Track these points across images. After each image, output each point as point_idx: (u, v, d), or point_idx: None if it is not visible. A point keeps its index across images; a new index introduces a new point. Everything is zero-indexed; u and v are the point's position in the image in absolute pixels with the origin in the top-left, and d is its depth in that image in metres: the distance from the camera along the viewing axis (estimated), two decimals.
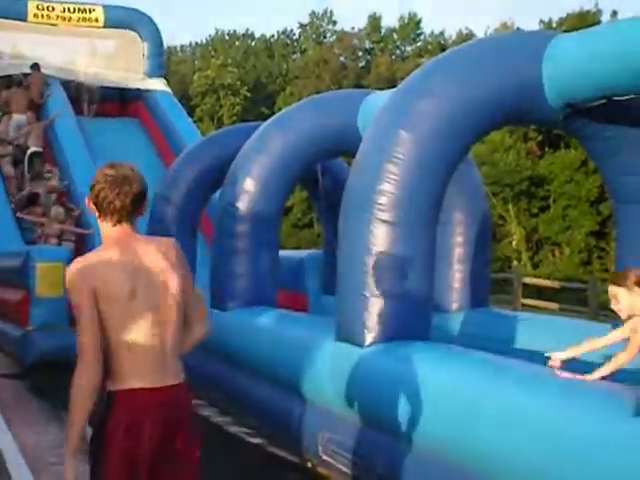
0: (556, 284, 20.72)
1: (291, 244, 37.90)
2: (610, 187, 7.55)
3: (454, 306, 8.97)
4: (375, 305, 6.06)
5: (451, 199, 8.79)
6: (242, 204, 8.73)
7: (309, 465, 6.96)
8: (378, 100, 7.91)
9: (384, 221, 6.02)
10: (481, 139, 7.66)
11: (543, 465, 4.32)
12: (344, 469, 6.18)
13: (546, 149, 38.04)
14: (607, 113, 6.73)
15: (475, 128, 6.25)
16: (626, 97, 6.00)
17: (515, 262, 33.99)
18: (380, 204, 6.03)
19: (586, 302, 17.39)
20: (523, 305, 17.44)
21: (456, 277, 8.98)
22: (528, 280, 19.94)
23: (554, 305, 17.72)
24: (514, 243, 36.09)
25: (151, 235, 10.86)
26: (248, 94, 50.20)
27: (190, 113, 44.99)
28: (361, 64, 54.53)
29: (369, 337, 6.07)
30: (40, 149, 16.11)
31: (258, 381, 7.77)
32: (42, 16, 18.50)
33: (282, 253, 10.38)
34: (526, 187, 36.10)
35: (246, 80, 51.29)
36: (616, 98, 6.04)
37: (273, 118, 9.23)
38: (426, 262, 6.17)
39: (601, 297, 18.07)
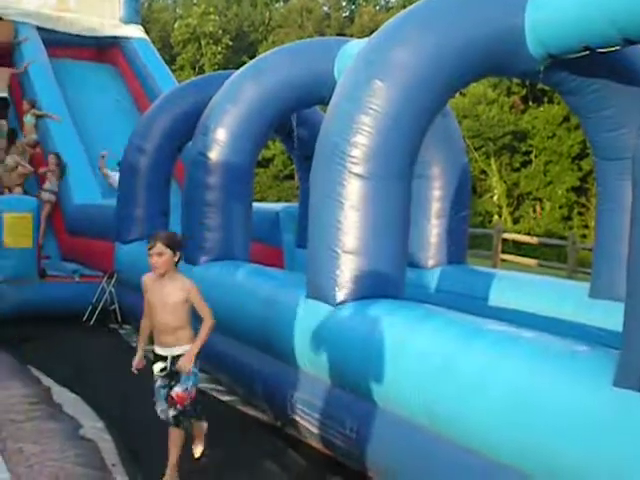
0: (535, 240, 20.61)
1: (272, 196, 37.74)
2: (592, 143, 7.36)
3: (430, 262, 8.83)
4: (347, 262, 5.87)
5: (429, 152, 8.61)
6: (213, 154, 8.46)
7: (278, 424, 6.85)
8: (356, 48, 7.64)
9: (357, 174, 5.80)
10: (460, 90, 7.44)
11: (517, 428, 4.17)
12: (313, 429, 6.05)
13: (529, 103, 37.84)
14: (590, 66, 6.53)
15: (453, 79, 6.00)
16: (608, 49, 5.78)
17: (496, 217, 33.93)
18: (353, 157, 5.80)
19: (565, 258, 17.30)
20: (502, 261, 17.34)
21: (433, 232, 8.83)
22: (508, 236, 19.83)
23: (533, 261, 17.63)
24: (495, 198, 36.04)
25: (122, 186, 10.77)
26: (230, 43, 49.57)
27: (171, 62, 44.64)
28: (345, 14, 53.97)
29: (340, 295, 5.89)
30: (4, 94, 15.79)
31: (228, 338, 7.60)
32: None
33: (258, 206, 10.18)
34: (508, 141, 35.97)
35: (228, 29, 50.62)
36: (599, 50, 5.82)
37: (247, 65, 8.93)
38: (400, 217, 5.97)
39: (580, 253, 18.01)
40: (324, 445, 6.02)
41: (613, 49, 5.86)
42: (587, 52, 5.94)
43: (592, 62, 6.36)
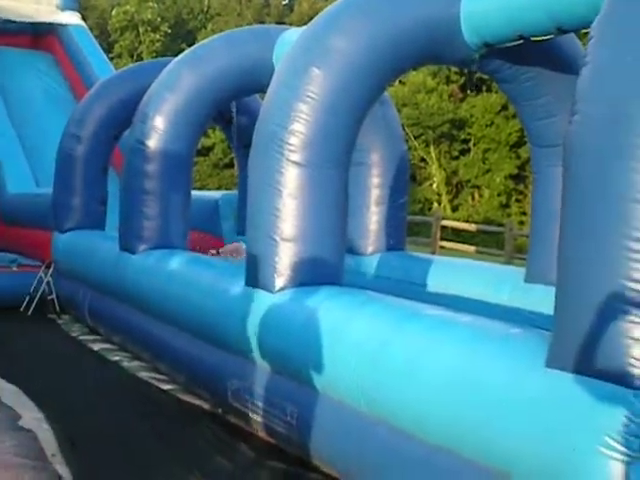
0: (473, 227, 20.86)
1: (212, 184, 37.54)
2: (527, 130, 7.49)
3: (370, 249, 8.91)
4: (285, 249, 5.89)
5: (367, 140, 8.67)
6: (152, 142, 8.41)
7: (219, 412, 6.85)
8: (295, 36, 7.64)
9: (294, 162, 5.82)
10: (399, 79, 7.50)
11: (453, 412, 4.23)
12: (253, 416, 6.08)
13: (468, 92, 38.15)
14: (525, 55, 6.64)
15: (390, 66, 6.06)
16: (542, 38, 5.88)
17: (435, 205, 34.21)
18: (290, 145, 5.82)
19: (503, 245, 17.54)
20: (441, 247, 17.51)
21: (372, 220, 8.91)
22: (446, 223, 20.03)
23: (471, 248, 17.84)
24: (435, 186, 36.32)
25: (59, 174, 10.61)
26: (168, 30, 49.07)
27: (109, 49, 44.08)
28: (284, 2, 53.77)
29: (279, 282, 5.91)
30: None
31: (168, 326, 7.58)
32: None
33: (197, 194, 10.16)
34: (447, 130, 36.24)
35: (166, 16, 50.08)
36: (533, 39, 5.92)
37: (185, 53, 8.89)
38: (338, 204, 6.00)
39: (518, 240, 18.26)
40: (265, 432, 6.05)
41: (547, 38, 5.97)
42: (522, 41, 6.04)
43: (527, 51, 6.47)
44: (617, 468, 3.43)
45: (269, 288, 5.93)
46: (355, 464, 5.06)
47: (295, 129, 5.82)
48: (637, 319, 3.43)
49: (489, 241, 23.26)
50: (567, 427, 3.62)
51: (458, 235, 24.44)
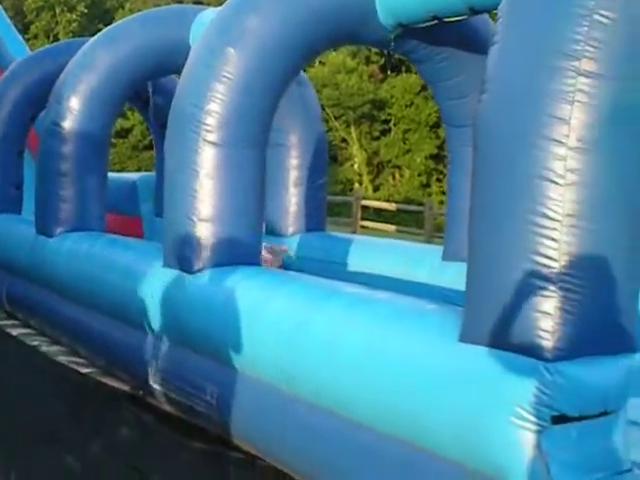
0: (394, 207, 21.06)
1: (132, 166, 37.10)
2: (441, 110, 7.60)
3: (290, 230, 8.95)
4: (203, 230, 5.88)
5: (286, 122, 8.69)
6: (67, 124, 8.27)
7: (139, 394, 6.82)
8: (212, 16, 7.61)
9: (211, 142, 5.80)
10: (314, 59, 7.54)
11: (370, 389, 4.30)
12: (174, 397, 6.07)
13: (388, 73, 38.38)
14: (439, 35, 6.72)
15: (305, 47, 6.08)
16: (455, 18, 5.97)
17: (356, 185, 34.39)
18: (207, 125, 5.80)
19: (423, 224, 17.76)
20: (362, 227, 17.66)
21: (292, 201, 8.94)
22: (367, 203, 20.18)
23: (392, 227, 18.02)
24: (356, 166, 36.52)
25: None
26: (85, 10, 48.18)
27: (24, 30, 43.10)
28: None
29: (197, 263, 5.90)
30: None
31: (87, 309, 7.51)
32: None
33: (115, 176, 10.06)
34: (368, 110, 36.40)
35: None
36: (446, 19, 6.00)
37: (101, 33, 8.76)
38: (255, 185, 6.02)
39: (437, 219, 18.49)
40: (186, 413, 6.05)
41: (460, 18, 6.06)
42: (435, 21, 6.11)
43: (441, 31, 6.55)
44: (529, 437, 3.52)
45: (187, 269, 5.92)
46: (275, 442, 5.10)
47: (211, 109, 5.80)
48: (545, 292, 3.53)
49: (409, 220, 23.51)
50: (480, 399, 3.71)
51: (379, 215, 24.63)
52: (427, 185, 35.44)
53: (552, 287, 3.51)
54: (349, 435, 4.52)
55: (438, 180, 35.28)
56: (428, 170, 35.49)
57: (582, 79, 3.52)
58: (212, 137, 5.81)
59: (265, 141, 6.07)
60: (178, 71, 8.44)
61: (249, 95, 5.86)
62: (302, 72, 8.82)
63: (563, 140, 3.51)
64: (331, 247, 8.54)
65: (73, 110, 8.28)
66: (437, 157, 35.33)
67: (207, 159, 5.83)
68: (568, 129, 3.51)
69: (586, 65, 3.52)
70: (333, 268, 7.98)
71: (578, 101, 3.51)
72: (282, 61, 5.97)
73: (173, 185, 6.10)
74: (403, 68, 37.23)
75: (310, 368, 4.72)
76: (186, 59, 6.39)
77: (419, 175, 35.57)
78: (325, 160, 9.37)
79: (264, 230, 7.74)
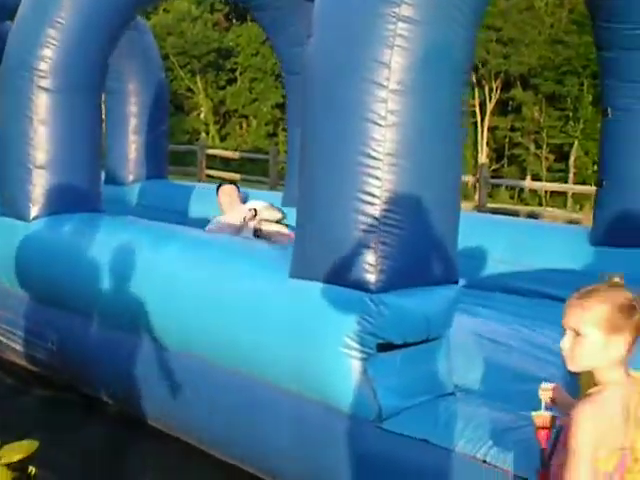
0: (237, 155, 21.12)
1: None
2: (279, 58, 7.71)
3: (130, 177, 8.92)
4: (38, 177, 5.83)
5: (125, 68, 8.62)
6: None
7: None
8: None
9: (44, 88, 5.75)
10: (151, 4, 7.47)
11: (210, 327, 4.44)
12: (16, 346, 6.03)
13: (233, 21, 38.05)
14: None
15: None
16: None
17: (203, 135, 34.16)
18: (40, 70, 5.74)
19: (268, 172, 17.90)
20: (207, 176, 17.64)
21: (131, 148, 8.91)
22: (212, 152, 20.15)
23: (237, 176, 18.10)
24: (202, 115, 36.22)
25: None
26: None
27: None
28: None
29: (34, 210, 5.85)
30: None
31: None
32: None
33: None
34: (213, 59, 36.03)
35: None
36: None
37: None
38: (91, 131, 6.00)
39: (282, 167, 18.64)
40: (28, 361, 6.03)
41: None
42: None
43: None
44: (356, 365, 3.74)
45: (24, 217, 5.86)
46: (122, 383, 5.17)
47: (44, 55, 5.74)
48: (369, 228, 3.71)
49: (256, 169, 23.61)
50: (312, 331, 3.90)
51: (227, 164, 24.61)
52: (274, 134, 35.52)
53: (375, 223, 3.70)
54: (193, 370, 4.64)
55: (285, 130, 35.32)
56: (275, 119, 35.56)
57: (401, 24, 3.68)
58: (45, 83, 5.75)
59: (100, 87, 6.05)
60: (11, 18, 8.25)
61: (82, 40, 5.82)
62: (140, 18, 8.75)
63: (384, 83, 3.68)
64: (172, 195, 8.60)
65: None
66: (283, 106, 35.25)
67: (41, 105, 5.77)
68: (389, 72, 3.67)
69: (405, 11, 3.69)
70: (174, 216, 8.02)
71: (398, 45, 3.68)
72: (115, 6, 5.93)
73: (8, 132, 6.00)
74: (249, 17, 36.97)
75: (152, 309, 4.80)
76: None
77: (266, 124, 35.60)
78: (166, 108, 9.35)
79: (103, 178, 7.72)
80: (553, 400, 2.76)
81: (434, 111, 3.78)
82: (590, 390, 2.49)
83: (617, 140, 5.87)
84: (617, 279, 2.53)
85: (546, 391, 2.76)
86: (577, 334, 2.48)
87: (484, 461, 3.37)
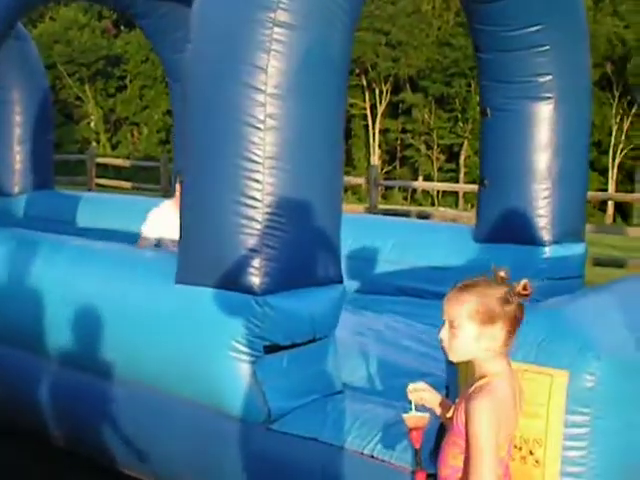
0: (128, 163, 20.92)
1: None
2: (164, 64, 7.68)
3: (16, 189, 8.77)
4: None
5: (7, 78, 8.46)
6: None
7: None
8: None
9: None
10: (30, 12, 7.36)
11: (99, 336, 4.39)
12: None
13: (122, 28, 37.60)
14: None
15: (15, 1, 5.96)
16: None
17: (94, 143, 33.66)
18: None
19: (159, 179, 17.74)
20: (97, 185, 17.39)
21: (17, 159, 8.76)
22: (102, 160, 19.90)
23: (127, 184, 17.91)
24: (92, 124, 35.70)
25: None
26: None
27: None
28: None
29: None
30: None
31: None
32: None
33: None
34: (102, 67, 35.59)
35: None
36: None
37: None
38: None
39: (170, 172, 18.50)
40: None
41: None
42: None
43: None
44: (245, 368, 3.76)
45: None
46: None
47: None
48: (251, 231, 3.74)
49: (147, 177, 23.37)
50: (199, 336, 3.90)
51: (119, 172, 24.29)
52: (166, 142, 35.23)
53: (258, 226, 3.73)
54: (87, 383, 4.59)
55: None
56: (167, 126, 35.26)
57: (277, 29, 3.73)
58: None
59: None
60: None
61: None
62: (21, 26, 8.58)
63: (262, 87, 3.72)
64: (60, 205, 8.48)
65: None
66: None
67: None
68: (266, 77, 3.71)
69: (281, 16, 3.73)
70: (62, 227, 7.90)
71: (274, 50, 3.72)
72: None
73: None
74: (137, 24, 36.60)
75: (38, 321, 4.72)
76: None
77: (158, 132, 35.31)
78: (51, 116, 9.22)
79: None
80: (422, 400, 2.78)
81: (314, 114, 3.84)
82: (478, 383, 2.55)
83: (495, 139, 6.04)
84: (502, 273, 2.59)
85: (415, 391, 2.78)
86: (452, 326, 2.57)
87: (372, 456, 3.44)
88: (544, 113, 5.83)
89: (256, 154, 3.72)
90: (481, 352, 2.56)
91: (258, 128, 3.71)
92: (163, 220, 5.81)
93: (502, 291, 2.54)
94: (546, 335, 3.04)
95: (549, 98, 5.79)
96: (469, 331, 2.55)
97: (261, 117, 3.72)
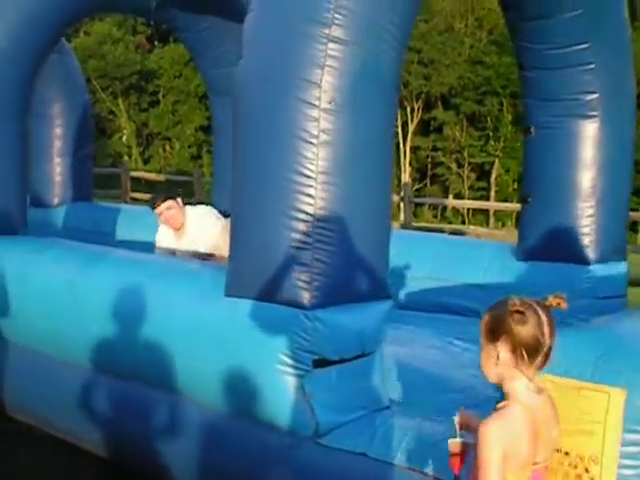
0: (162, 177, 21.02)
1: None
2: (205, 79, 7.73)
3: (56, 200, 8.86)
4: None
5: (49, 91, 8.56)
6: None
7: None
8: None
9: None
10: (73, 26, 7.44)
11: (147, 345, 4.40)
12: None
13: (155, 43, 37.92)
14: (199, 4, 6.82)
15: (63, 14, 6.02)
16: None
17: (126, 157, 33.90)
18: None
19: (193, 193, 17.82)
20: (132, 199, 17.50)
21: (57, 171, 8.86)
22: (136, 174, 20.04)
23: None
24: (125, 138, 35.95)
25: None
26: None
27: None
28: None
29: None
30: None
31: None
32: None
33: None
34: (136, 81, 35.87)
35: None
36: None
37: None
38: (17, 155, 5.94)
39: (207, 187, 18.60)
40: None
41: None
42: None
43: (201, 1, 6.67)
44: (293, 382, 3.76)
45: None
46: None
47: None
48: (302, 245, 3.75)
49: (181, 191, 23.50)
50: (247, 350, 3.90)
51: (152, 187, 24.41)
52: (198, 157, 35.47)
53: (309, 240, 3.74)
54: (127, 395, 4.61)
55: (209, 152, 35.33)
56: (198, 142, 35.51)
57: (332, 45, 3.74)
58: None
59: (26, 110, 5.99)
60: None
61: (8, 64, 5.76)
62: (64, 41, 8.69)
63: (315, 102, 3.73)
64: (98, 217, 8.58)
65: None
66: (207, 128, 35.34)
67: None
68: (319, 92, 3.73)
69: (335, 32, 3.75)
70: (101, 238, 7.96)
71: (328, 65, 3.74)
72: (39, 31, 5.89)
73: None
74: (171, 39, 36.88)
75: (79, 332, 4.76)
76: None
77: (189, 147, 35.53)
78: (90, 130, 9.31)
79: (29, 201, 7.62)
80: (462, 425, 2.74)
81: (366, 129, 3.84)
82: (498, 405, 2.50)
83: (539, 157, 6.02)
84: (551, 298, 2.51)
85: (462, 418, 2.75)
86: (481, 346, 2.56)
87: (423, 472, 3.42)
88: (589, 131, 5.80)
89: (309, 169, 3.73)
90: (499, 373, 2.51)
91: (311, 143, 3.72)
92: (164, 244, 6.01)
93: (513, 308, 2.45)
94: (602, 353, 3.03)
95: (594, 116, 5.77)
96: (485, 350, 2.53)
97: (314, 132, 3.72)
